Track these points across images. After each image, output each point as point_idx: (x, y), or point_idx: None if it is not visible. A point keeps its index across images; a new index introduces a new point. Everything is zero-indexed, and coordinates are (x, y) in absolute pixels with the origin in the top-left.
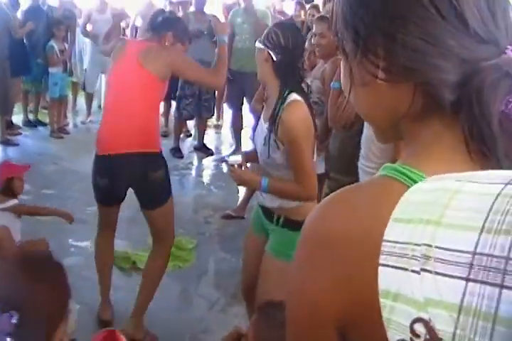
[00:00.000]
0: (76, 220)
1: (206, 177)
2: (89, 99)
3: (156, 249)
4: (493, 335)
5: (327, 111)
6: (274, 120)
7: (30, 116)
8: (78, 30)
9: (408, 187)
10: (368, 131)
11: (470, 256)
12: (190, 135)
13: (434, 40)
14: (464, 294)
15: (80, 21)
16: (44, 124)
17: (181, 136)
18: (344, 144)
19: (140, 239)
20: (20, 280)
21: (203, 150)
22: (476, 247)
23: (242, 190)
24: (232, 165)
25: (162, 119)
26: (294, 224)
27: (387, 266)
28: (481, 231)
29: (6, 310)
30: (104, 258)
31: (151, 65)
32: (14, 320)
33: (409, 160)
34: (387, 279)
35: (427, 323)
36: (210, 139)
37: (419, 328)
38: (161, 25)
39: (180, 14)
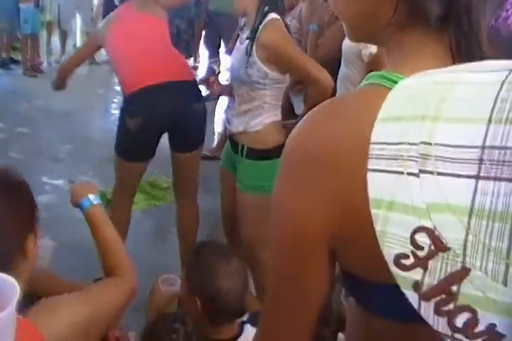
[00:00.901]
0: (51, 158)
1: None
2: (64, 36)
3: (187, 201)
4: None
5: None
6: (253, 37)
7: (3, 54)
8: None
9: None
10: (345, 68)
11: (479, 150)
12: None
13: None
14: (474, 194)
15: None
16: (17, 62)
17: None
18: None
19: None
20: None
21: None
22: (485, 140)
23: (219, 131)
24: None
25: None
26: (256, 154)
27: (378, 170)
28: (489, 121)
29: None
30: (121, 220)
31: (150, 10)
32: None
33: (392, 68)
34: (378, 186)
35: (431, 232)
36: None
37: (422, 238)
38: None
39: None
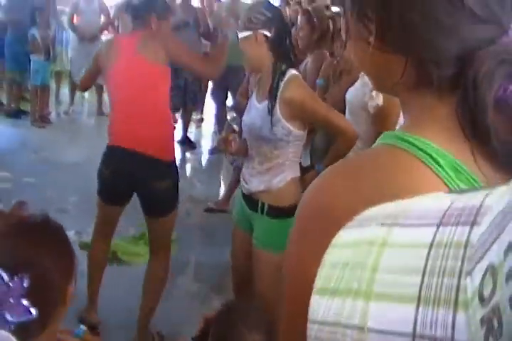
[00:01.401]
0: (57, 210)
1: (188, 171)
2: (74, 87)
3: (154, 259)
4: None
5: None
6: (274, 95)
7: (12, 105)
8: (63, 18)
9: (411, 154)
10: (349, 115)
11: (409, 339)
12: (174, 128)
13: (429, 16)
14: None
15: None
16: (26, 113)
17: None
18: (329, 136)
19: (122, 228)
20: (23, 244)
21: (186, 143)
22: (415, 327)
23: (225, 183)
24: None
25: None
26: (277, 212)
27: None
28: (418, 302)
29: (16, 274)
30: (97, 260)
31: (153, 54)
32: (25, 284)
33: (408, 128)
34: None
35: None
36: (191, 132)
37: None
38: (142, 9)
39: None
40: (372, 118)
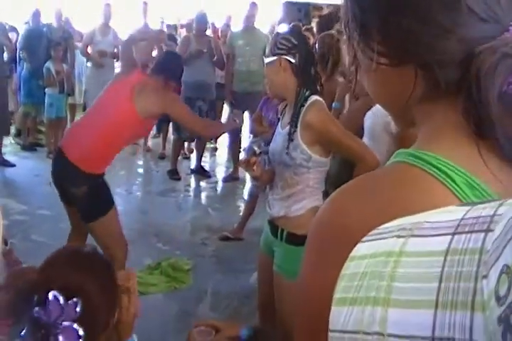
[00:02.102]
0: None
1: (203, 200)
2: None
3: None
4: None
5: None
6: (296, 121)
7: (29, 138)
8: (77, 51)
9: (425, 171)
10: (369, 142)
11: None
12: (188, 157)
13: (428, 20)
14: None
15: (80, 43)
16: (42, 146)
17: (179, 158)
18: (344, 159)
19: (136, 260)
20: (76, 271)
21: (200, 172)
22: (433, 330)
23: (240, 212)
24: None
25: (160, 141)
26: (297, 239)
27: None
28: (436, 306)
29: (70, 298)
30: None
31: (141, 101)
32: (78, 308)
33: (421, 145)
34: None
35: None
36: (206, 161)
37: None
38: (161, 66)
39: (181, 35)
40: (395, 139)
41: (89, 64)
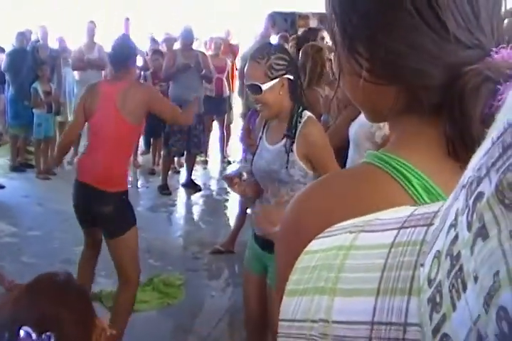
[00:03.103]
0: (63, 261)
1: (194, 214)
2: (78, 138)
3: (120, 285)
4: None
5: None
6: (293, 135)
7: (18, 159)
8: (64, 71)
9: (385, 171)
10: (354, 153)
11: (368, 327)
12: (179, 171)
13: (417, 46)
14: None
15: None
16: (31, 166)
17: (169, 172)
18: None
19: None
20: (50, 302)
21: (191, 186)
22: (373, 315)
23: (231, 225)
24: (230, 178)
25: (149, 158)
26: None
27: None
28: (377, 294)
29: (43, 332)
30: (83, 280)
31: (128, 110)
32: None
33: (389, 148)
34: None
35: None
36: (197, 175)
37: None
38: (118, 59)
39: (166, 52)
40: (380, 148)
41: (77, 77)
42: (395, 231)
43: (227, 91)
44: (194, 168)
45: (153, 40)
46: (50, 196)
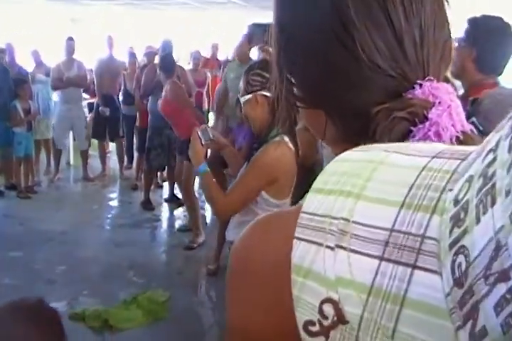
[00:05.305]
0: (46, 281)
1: (178, 228)
2: (58, 155)
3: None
4: (400, 319)
5: None
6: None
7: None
8: (34, 88)
9: None
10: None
11: (387, 233)
12: (161, 186)
13: (337, 73)
14: (376, 274)
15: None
16: (14, 187)
17: (152, 187)
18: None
19: (112, 295)
20: (20, 326)
21: (173, 200)
22: (394, 224)
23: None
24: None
25: (133, 173)
26: None
27: (303, 239)
28: (402, 206)
29: None
30: None
31: None
32: None
33: None
34: (300, 253)
35: (336, 304)
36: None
37: (328, 309)
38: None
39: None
40: None
41: (55, 98)
42: (429, 158)
43: (206, 106)
44: (175, 184)
45: (132, 54)
46: (31, 215)
